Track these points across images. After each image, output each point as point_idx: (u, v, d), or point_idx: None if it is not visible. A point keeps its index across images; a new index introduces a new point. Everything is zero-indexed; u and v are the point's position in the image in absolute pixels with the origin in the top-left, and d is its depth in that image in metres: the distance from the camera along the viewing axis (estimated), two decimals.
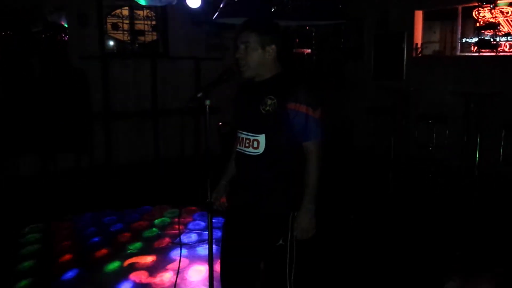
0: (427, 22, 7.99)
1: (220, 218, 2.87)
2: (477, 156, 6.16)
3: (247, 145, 2.28)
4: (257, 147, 2.24)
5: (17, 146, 6.45)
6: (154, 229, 4.67)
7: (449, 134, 6.48)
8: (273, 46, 2.26)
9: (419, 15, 7.58)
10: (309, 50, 7.98)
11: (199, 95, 2.23)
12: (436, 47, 9.10)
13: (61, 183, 6.22)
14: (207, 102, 2.25)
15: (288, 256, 2.24)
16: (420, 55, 7.60)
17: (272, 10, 4.38)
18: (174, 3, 5.37)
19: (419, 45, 7.57)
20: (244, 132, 2.31)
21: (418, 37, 7.61)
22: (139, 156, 7.40)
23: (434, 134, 6.47)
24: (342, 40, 8.66)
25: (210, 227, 2.38)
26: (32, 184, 6.18)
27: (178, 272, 3.33)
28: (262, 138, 2.23)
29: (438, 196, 5.70)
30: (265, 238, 2.27)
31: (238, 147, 2.34)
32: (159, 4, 5.62)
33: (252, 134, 2.26)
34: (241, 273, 2.37)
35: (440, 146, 6.45)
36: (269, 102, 2.21)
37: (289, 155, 2.25)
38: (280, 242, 2.23)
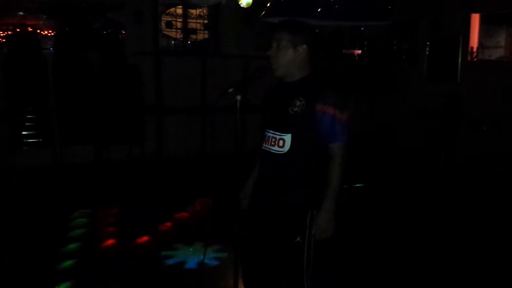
0: (489, 26, 7.67)
1: None
2: None
3: (272, 143, 2.33)
4: (283, 146, 2.29)
5: (75, 136, 6.89)
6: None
7: (502, 143, 6.21)
8: (305, 47, 2.30)
9: (475, 18, 7.33)
10: (360, 51, 7.90)
11: (230, 90, 2.29)
12: (497, 52, 8.71)
13: (113, 172, 6.56)
14: (238, 97, 2.31)
15: (305, 253, 2.28)
16: (475, 59, 7.34)
17: (319, 10, 4.38)
18: (224, 2, 5.48)
19: (474, 49, 7.32)
20: (271, 131, 2.36)
21: (474, 41, 7.35)
22: (187, 149, 7.61)
23: (486, 142, 6.23)
24: (395, 42, 8.51)
25: (238, 225, 2.45)
26: (86, 171, 6.55)
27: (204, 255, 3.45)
28: (288, 137, 2.28)
29: (487, 204, 5.50)
30: (283, 235, 2.31)
31: (264, 145, 2.39)
32: (205, 4, 5.73)
33: (279, 133, 2.31)
34: (261, 268, 2.43)
35: (491, 155, 6.20)
36: (298, 103, 2.25)
37: (313, 155, 2.28)
38: (298, 239, 2.28)
